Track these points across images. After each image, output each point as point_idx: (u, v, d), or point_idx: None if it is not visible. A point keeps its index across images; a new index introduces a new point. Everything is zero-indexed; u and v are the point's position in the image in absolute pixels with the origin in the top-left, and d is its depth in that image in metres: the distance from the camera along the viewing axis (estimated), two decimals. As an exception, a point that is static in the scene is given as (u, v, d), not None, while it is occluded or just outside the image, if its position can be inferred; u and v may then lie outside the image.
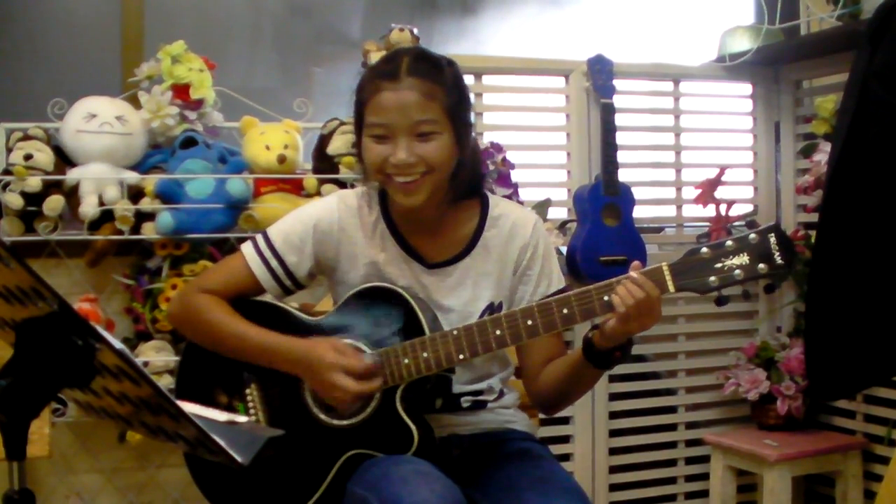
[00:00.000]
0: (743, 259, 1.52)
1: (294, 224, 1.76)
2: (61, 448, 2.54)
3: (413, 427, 1.64)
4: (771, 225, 1.54)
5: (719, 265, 1.52)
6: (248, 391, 1.75)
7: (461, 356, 1.62)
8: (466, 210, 1.77)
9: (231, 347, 1.72)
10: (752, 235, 1.52)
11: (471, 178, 1.75)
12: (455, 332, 1.62)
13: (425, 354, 1.62)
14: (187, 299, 1.77)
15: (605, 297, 1.55)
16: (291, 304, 1.84)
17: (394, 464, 1.58)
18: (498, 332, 1.60)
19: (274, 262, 1.74)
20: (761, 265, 1.51)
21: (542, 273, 1.77)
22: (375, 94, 1.63)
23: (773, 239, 1.51)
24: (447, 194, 1.72)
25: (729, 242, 1.52)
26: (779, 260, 1.51)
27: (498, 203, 1.80)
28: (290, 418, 1.70)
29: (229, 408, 1.75)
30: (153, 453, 2.65)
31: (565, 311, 1.57)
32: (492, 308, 1.75)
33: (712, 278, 1.52)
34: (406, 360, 1.63)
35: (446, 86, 1.64)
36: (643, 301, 1.50)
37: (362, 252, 1.74)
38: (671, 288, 1.53)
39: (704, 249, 1.53)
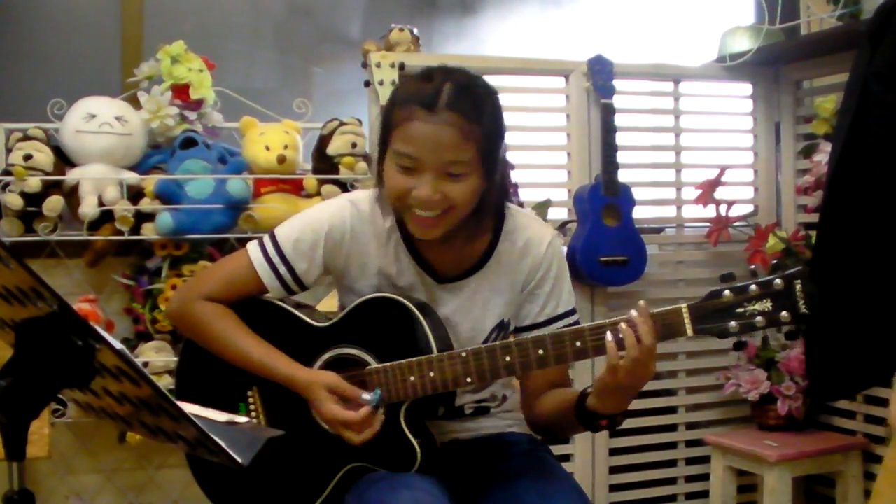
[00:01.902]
0: (766, 305, 1.45)
1: (304, 230, 1.68)
2: (61, 448, 2.54)
3: (417, 446, 1.61)
4: (798, 270, 1.46)
5: (741, 310, 1.46)
6: (249, 394, 1.73)
7: (468, 380, 1.58)
8: (482, 223, 1.68)
9: (233, 361, 1.69)
10: (778, 281, 1.45)
11: (497, 204, 1.69)
12: (464, 355, 1.57)
13: (432, 374, 1.58)
14: (188, 306, 1.71)
15: (621, 335, 1.47)
16: (291, 300, 1.82)
17: (394, 488, 1.54)
18: (508, 359, 1.56)
19: (283, 269, 1.68)
20: (784, 313, 1.44)
21: (552, 294, 1.71)
22: (408, 121, 1.52)
23: (798, 286, 1.44)
24: (469, 221, 1.64)
25: (753, 287, 1.45)
26: (803, 309, 1.44)
27: (514, 216, 1.73)
28: (292, 424, 1.67)
29: (230, 410, 1.73)
30: (153, 453, 2.65)
31: (578, 344, 1.52)
32: (501, 325, 1.71)
33: (732, 324, 1.46)
34: (412, 378, 1.59)
35: (484, 123, 1.54)
36: (640, 350, 1.44)
37: (374, 262, 1.69)
38: (689, 332, 1.47)
39: (727, 293, 1.47)
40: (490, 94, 1.60)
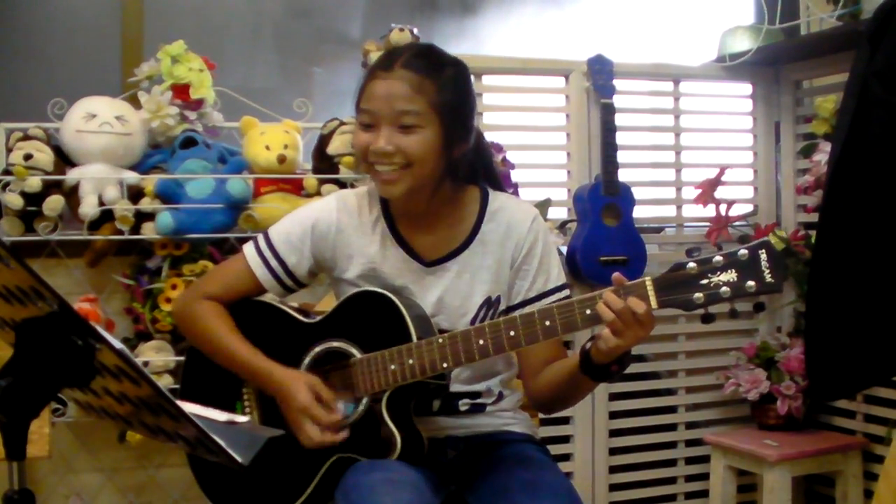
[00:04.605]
0: (731, 276, 1.43)
1: (293, 225, 1.78)
2: (61, 448, 2.54)
3: (396, 432, 1.64)
4: (762, 241, 1.46)
5: (705, 281, 1.45)
6: (245, 390, 1.79)
7: (444, 364, 1.62)
8: (466, 204, 1.77)
9: (221, 360, 1.76)
10: (742, 251, 1.44)
11: (471, 173, 1.77)
12: (440, 341, 1.62)
13: (410, 361, 1.63)
14: (188, 306, 1.80)
15: (588, 311, 1.51)
16: (290, 304, 1.85)
17: (368, 471, 1.59)
18: (481, 342, 1.59)
19: (274, 263, 1.76)
20: (750, 283, 1.43)
21: (540, 269, 1.76)
22: (369, 82, 1.66)
23: (763, 255, 1.43)
24: (443, 190, 1.72)
25: (717, 258, 1.44)
26: (768, 278, 1.42)
27: (497, 197, 1.80)
28: (282, 419, 1.71)
29: (227, 405, 1.77)
30: (153, 453, 2.65)
31: (547, 323, 1.55)
32: (489, 302, 1.75)
33: (698, 295, 1.45)
34: (393, 367, 1.64)
35: (439, 82, 1.64)
36: (623, 311, 1.46)
37: (359, 252, 1.75)
38: (654, 304, 1.46)
39: (691, 264, 1.45)
40: (452, 63, 1.71)
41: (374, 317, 1.68)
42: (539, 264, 1.76)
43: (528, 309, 1.71)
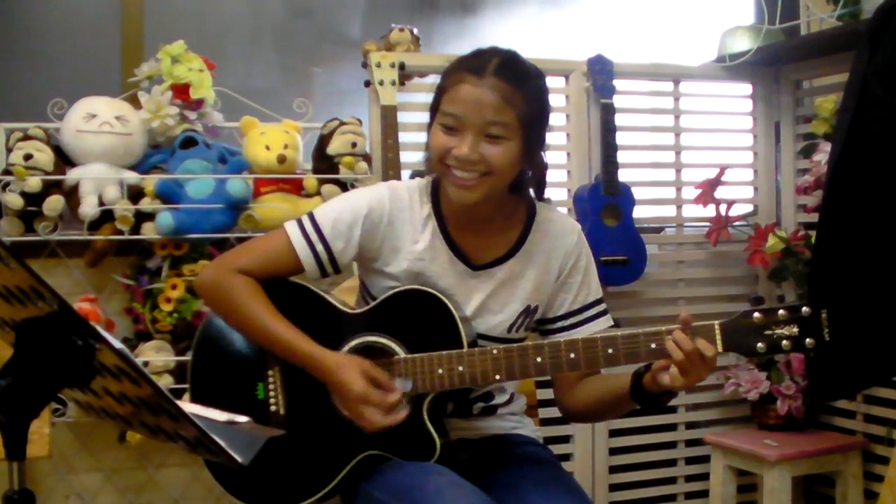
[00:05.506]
0: (792, 330, 1.52)
1: (343, 210, 1.71)
2: (61, 448, 2.54)
3: (437, 437, 1.63)
4: (826, 300, 1.55)
5: (769, 332, 1.52)
6: (269, 372, 1.73)
7: (497, 377, 1.61)
8: (514, 213, 1.76)
9: (257, 338, 1.70)
10: (805, 308, 1.52)
11: (526, 186, 1.76)
12: (495, 352, 1.61)
13: (461, 368, 1.61)
14: (220, 277, 1.71)
15: (653, 345, 1.54)
16: (326, 289, 1.81)
17: (424, 472, 1.57)
18: (539, 360, 1.59)
19: (320, 247, 1.70)
20: (809, 340, 1.51)
21: (583, 283, 1.77)
22: (457, 84, 1.61)
23: (824, 314, 1.51)
24: (505, 202, 1.73)
25: (781, 311, 1.52)
26: (827, 338, 1.51)
27: (543, 208, 1.80)
28: (310, 407, 1.69)
29: (248, 385, 1.73)
30: (153, 453, 2.65)
31: (610, 350, 1.56)
32: (528, 311, 1.75)
33: (760, 345, 1.52)
34: (440, 371, 1.62)
35: (527, 94, 1.61)
36: (692, 352, 1.50)
37: (406, 247, 1.71)
38: (720, 347, 1.52)
39: (756, 314, 1.53)
40: (535, 73, 1.67)
41: (421, 317, 1.65)
42: (582, 279, 1.77)
43: (570, 321, 1.75)
